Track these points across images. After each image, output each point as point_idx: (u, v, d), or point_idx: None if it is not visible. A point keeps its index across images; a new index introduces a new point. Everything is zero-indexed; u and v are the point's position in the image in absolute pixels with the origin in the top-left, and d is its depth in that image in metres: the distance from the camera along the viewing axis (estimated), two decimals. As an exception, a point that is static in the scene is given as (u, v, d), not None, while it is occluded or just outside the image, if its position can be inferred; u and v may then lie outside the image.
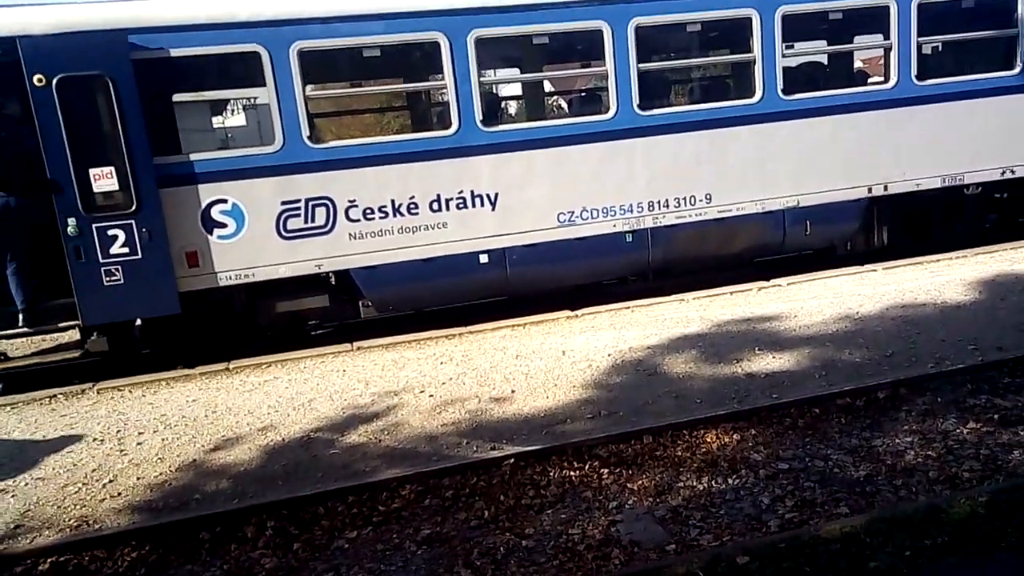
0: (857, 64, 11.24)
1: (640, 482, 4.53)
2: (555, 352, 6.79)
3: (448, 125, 7.79)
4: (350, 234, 7.59)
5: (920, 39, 8.67)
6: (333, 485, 4.68)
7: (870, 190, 8.86)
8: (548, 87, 13.85)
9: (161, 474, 5.03)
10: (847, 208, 8.85)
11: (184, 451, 5.36)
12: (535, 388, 5.96)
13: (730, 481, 4.46)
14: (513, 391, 5.94)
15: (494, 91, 9.30)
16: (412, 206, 7.71)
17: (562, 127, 8.21)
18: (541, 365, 6.47)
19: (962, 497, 3.93)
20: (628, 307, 8.11)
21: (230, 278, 7.37)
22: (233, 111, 25.27)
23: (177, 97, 7.70)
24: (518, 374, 6.30)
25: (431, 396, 5.98)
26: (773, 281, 8.67)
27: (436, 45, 7.57)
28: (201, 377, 7.08)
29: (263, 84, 7.27)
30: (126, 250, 6.95)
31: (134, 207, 6.91)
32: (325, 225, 7.54)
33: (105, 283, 6.93)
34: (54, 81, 6.61)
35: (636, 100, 8.07)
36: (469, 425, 5.37)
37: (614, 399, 5.64)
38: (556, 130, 8.12)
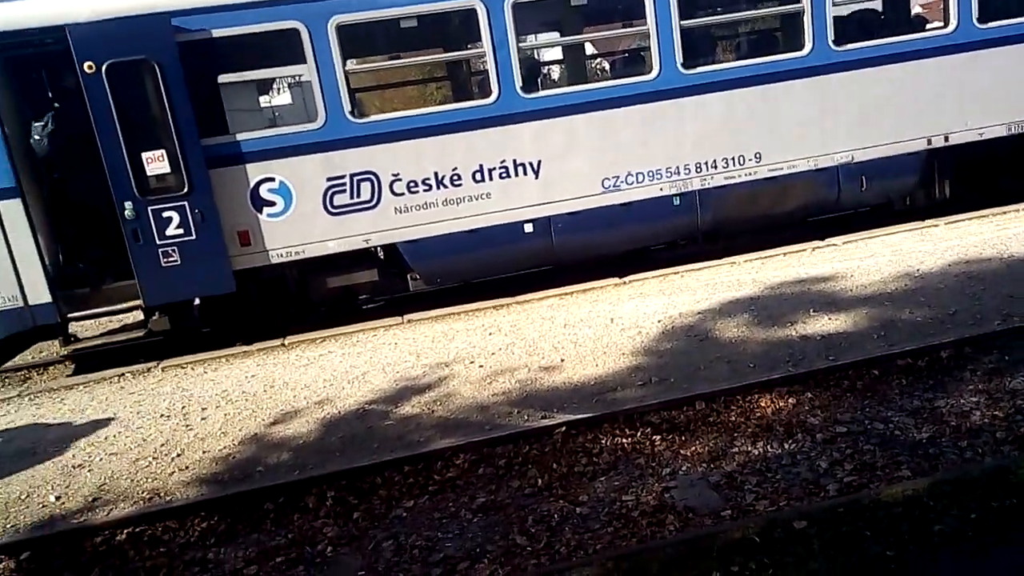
0: (915, 9, 10.71)
1: (693, 448, 4.50)
2: (603, 320, 6.75)
3: (488, 93, 7.72)
4: (395, 208, 7.64)
5: (984, -23, 8.22)
6: (389, 455, 4.78)
7: (930, 142, 8.50)
8: (589, 49, 13.58)
9: (225, 448, 5.20)
10: (905, 161, 8.52)
11: (245, 425, 5.53)
12: (584, 356, 5.95)
13: (786, 446, 4.40)
14: (562, 360, 5.94)
15: (534, 56, 9.17)
16: (455, 177, 7.70)
17: (604, 90, 8.04)
18: (590, 333, 6.45)
19: (1031, 458, 3.81)
20: (677, 272, 8.00)
21: (281, 255, 7.51)
22: (278, 90, 25.57)
23: (222, 78, 7.80)
24: (567, 343, 6.30)
25: (481, 366, 6.03)
26: (828, 240, 8.44)
27: (473, 12, 7.47)
28: (259, 353, 7.27)
29: (304, 61, 7.30)
30: (181, 231, 7.13)
31: (186, 189, 7.07)
32: (371, 200, 7.60)
33: (163, 264, 7.13)
34: (103, 68, 6.76)
35: (680, 59, 7.86)
36: (519, 394, 5.41)
37: (665, 365, 5.60)
38: (598, 93, 7.97)
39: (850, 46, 8.15)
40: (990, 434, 4.24)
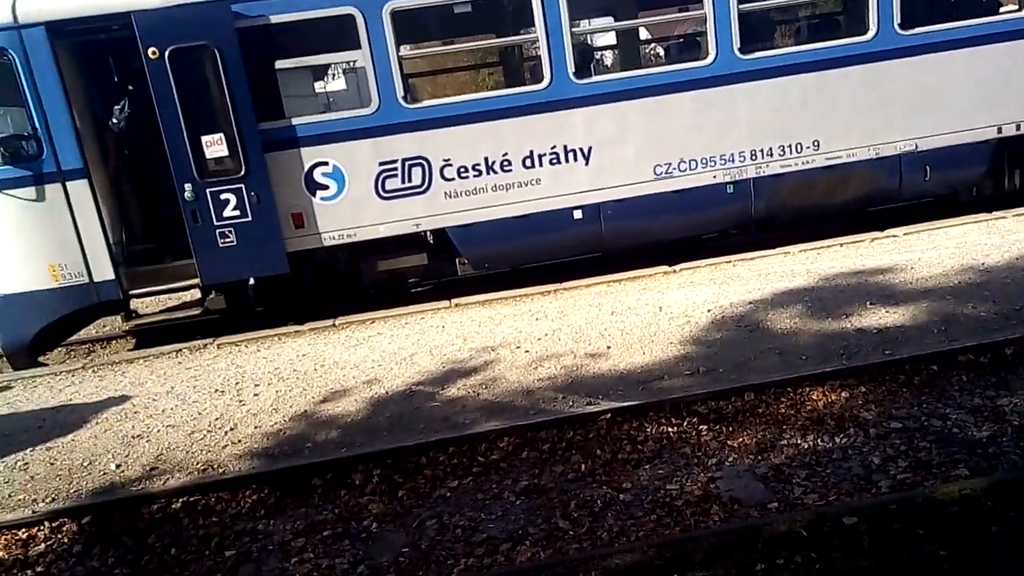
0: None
1: (741, 439, 4.44)
2: (652, 308, 6.69)
3: (540, 79, 7.69)
4: (446, 193, 7.68)
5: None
6: (435, 436, 4.83)
7: (1000, 130, 8.14)
8: (643, 35, 13.38)
9: (276, 423, 5.34)
10: (973, 150, 8.18)
11: (296, 402, 5.66)
12: (631, 344, 5.91)
13: (837, 440, 4.30)
14: (609, 347, 5.91)
15: (587, 42, 9.08)
16: (505, 163, 7.70)
17: (658, 75, 7.92)
18: (637, 321, 6.40)
19: (1099, 461, 3.64)
20: (729, 261, 7.86)
21: (333, 238, 7.64)
22: (333, 76, 25.95)
23: (279, 63, 7.93)
24: (614, 330, 6.26)
25: (527, 351, 6.04)
26: (887, 231, 8.17)
27: (527, -3, 7.43)
28: (310, 333, 7.42)
29: (358, 47, 7.38)
30: (237, 213, 7.31)
31: (243, 171, 7.23)
32: (421, 185, 7.65)
33: (220, 245, 7.33)
34: (166, 53, 6.95)
35: (737, 44, 7.69)
36: (565, 380, 5.40)
37: (713, 355, 5.52)
38: (652, 79, 7.85)
39: (917, 30, 7.85)
40: (1055, 435, 4.07)
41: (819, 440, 4.32)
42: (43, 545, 4.25)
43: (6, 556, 4.17)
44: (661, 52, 12.52)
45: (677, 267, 7.89)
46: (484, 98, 7.95)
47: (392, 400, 5.48)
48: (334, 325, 7.53)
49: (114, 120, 7.61)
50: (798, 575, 3.17)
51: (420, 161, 7.62)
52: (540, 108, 7.66)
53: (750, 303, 6.47)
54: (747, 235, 8.55)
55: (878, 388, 4.80)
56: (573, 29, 7.56)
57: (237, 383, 6.18)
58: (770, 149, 7.99)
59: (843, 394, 4.77)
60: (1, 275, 7.31)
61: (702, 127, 7.85)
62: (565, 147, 7.76)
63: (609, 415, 4.78)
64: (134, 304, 8.20)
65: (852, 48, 7.87)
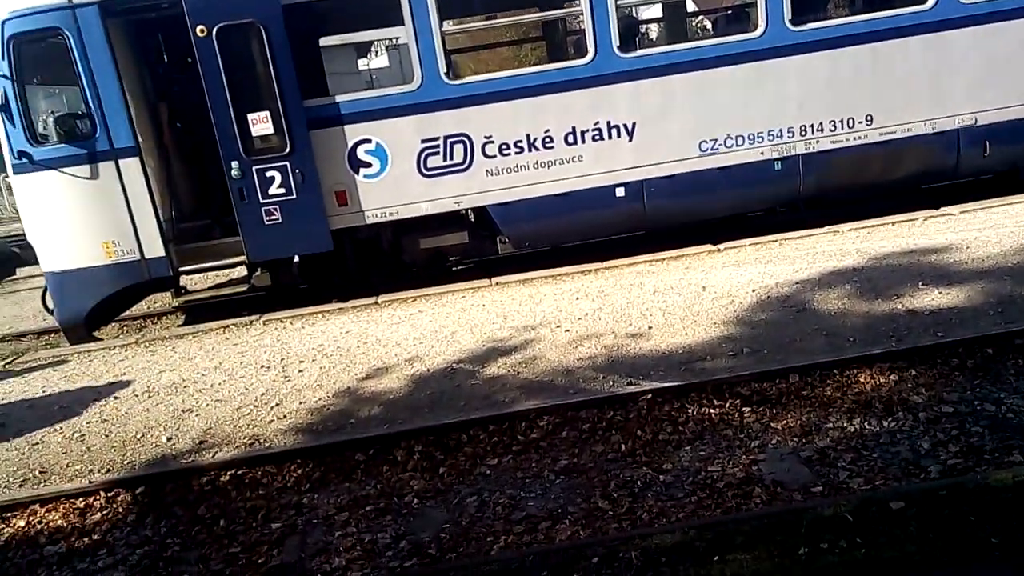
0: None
1: (785, 422, 4.36)
2: (695, 288, 6.59)
3: (584, 53, 7.58)
4: (487, 170, 7.66)
5: None
6: (475, 414, 4.86)
7: (1068, 103, 7.77)
8: (690, 7, 13.08)
9: (320, 399, 5.43)
10: (1037, 124, 7.83)
11: (339, 379, 5.75)
12: (673, 324, 5.84)
13: (885, 424, 4.20)
14: (650, 327, 5.86)
15: (632, 15, 8.91)
16: (547, 140, 7.63)
17: (705, 49, 7.75)
18: (680, 301, 6.32)
19: None
20: (775, 240, 7.70)
21: (376, 216, 7.70)
22: (376, 52, 25.95)
23: (323, 41, 7.97)
24: (655, 310, 6.20)
25: (567, 331, 6.02)
26: (942, 209, 7.90)
27: (571, -30, 7.33)
28: (353, 310, 7.51)
29: (402, 22, 7.36)
30: (282, 191, 7.41)
31: (288, 149, 7.31)
32: (463, 162, 7.64)
33: (265, 222, 7.45)
34: (214, 31, 7.03)
35: (788, 15, 7.46)
36: (605, 360, 5.38)
37: (758, 336, 5.43)
38: (699, 52, 7.68)
39: (979, -1, 7.51)
40: (1118, 422, 3.91)
41: (866, 424, 4.23)
42: (99, 514, 4.42)
43: (65, 524, 4.35)
44: (708, 25, 12.23)
45: (721, 246, 7.76)
46: (526, 74, 7.88)
47: (433, 378, 5.53)
48: (376, 303, 7.61)
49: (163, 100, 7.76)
50: (842, 560, 3.11)
51: (462, 138, 7.60)
52: (583, 83, 7.56)
53: (797, 283, 6.33)
54: (794, 213, 8.35)
55: (929, 371, 4.66)
56: (618, 2, 7.42)
57: (282, 359, 6.30)
58: (820, 124, 7.77)
59: (892, 377, 4.65)
60: (58, 252, 7.55)
61: (750, 102, 7.66)
62: (608, 123, 7.66)
63: (650, 396, 4.74)
64: (183, 281, 8.40)
65: (910, 18, 7.58)
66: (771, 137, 7.78)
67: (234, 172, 7.32)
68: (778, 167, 7.85)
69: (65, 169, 7.28)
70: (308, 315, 7.51)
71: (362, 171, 7.59)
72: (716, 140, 7.76)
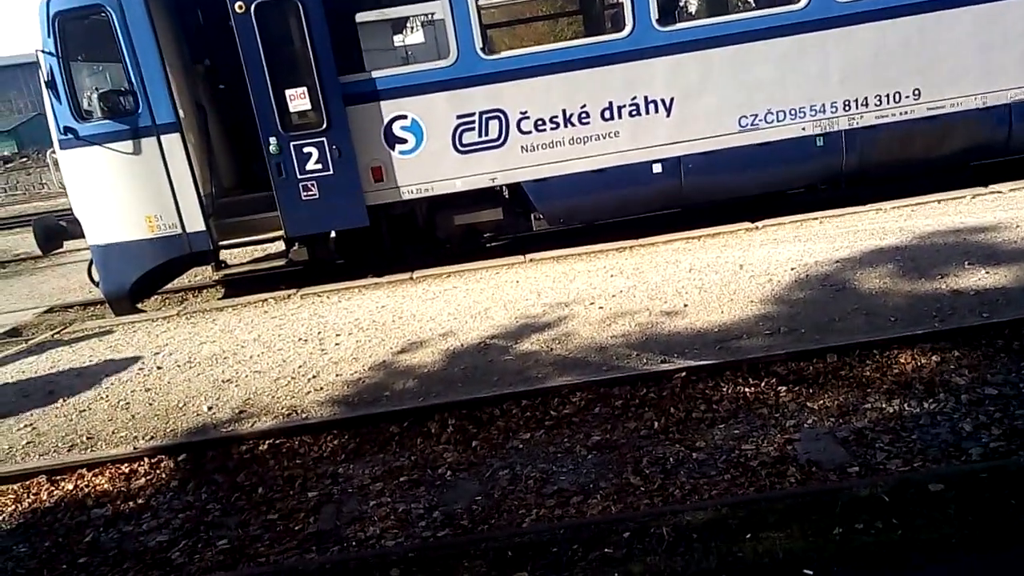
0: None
1: (821, 402, 4.31)
2: (732, 266, 6.51)
3: (621, 27, 7.46)
4: (522, 146, 7.63)
5: None
6: (509, 389, 4.89)
7: None
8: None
9: (356, 372, 5.51)
10: (1095, 99, 7.52)
11: (375, 352, 5.82)
12: (709, 302, 5.78)
13: (925, 405, 4.12)
14: (685, 305, 5.80)
15: (672, -14, 8.74)
16: (583, 115, 7.56)
17: (746, 22, 7.58)
18: (716, 279, 6.25)
19: None
20: (815, 218, 7.54)
21: (411, 192, 7.72)
22: (412, 28, 25.90)
23: (359, 16, 7.98)
24: (691, 288, 6.14)
25: (601, 308, 6.00)
26: (991, 187, 7.65)
27: (610, -59, 7.19)
28: (388, 286, 7.58)
29: (438, -2, 7.33)
30: (319, 166, 7.48)
31: (325, 125, 7.36)
32: (498, 138, 7.62)
33: (303, 198, 7.53)
34: (252, 7, 7.08)
35: (833, -15, 7.24)
36: (639, 338, 5.35)
37: (795, 315, 5.35)
38: (739, 25, 7.52)
39: (1037, -34, 7.20)
40: None
41: (906, 405, 4.15)
42: (143, 479, 4.56)
43: (111, 488, 4.50)
44: (750, -3, 11.92)
45: (760, 224, 7.63)
46: (563, 48, 7.80)
47: (467, 352, 5.57)
48: (411, 278, 7.67)
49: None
50: (877, 540, 3.08)
51: (497, 114, 7.57)
52: (621, 58, 7.46)
53: (837, 262, 6.21)
54: (836, 190, 8.17)
55: (973, 352, 4.55)
56: (657, -26, 7.28)
57: (319, 332, 6.40)
58: (865, 99, 7.57)
59: (934, 358, 4.55)
60: (103, 226, 7.74)
61: (792, 76, 7.49)
62: (646, 98, 7.56)
63: (684, 373, 4.71)
64: (223, 255, 8.55)
65: (961, -13, 7.30)
66: (813, 112, 7.60)
67: (272, 148, 7.40)
68: (820, 143, 7.68)
69: (109, 145, 7.44)
70: (344, 290, 7.60)
71: (398, 147, 7.61)
72: (756, 115, 7.61)
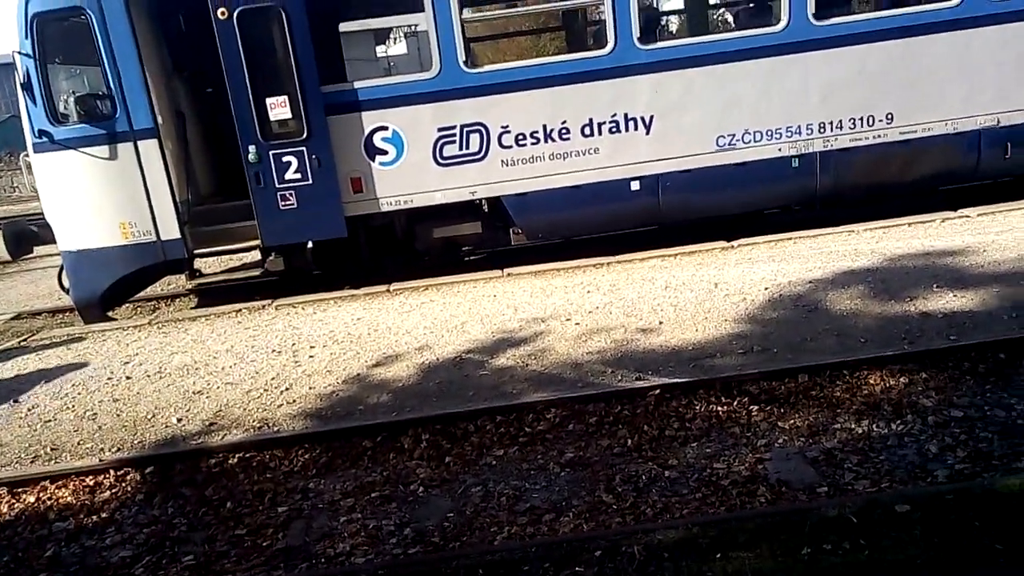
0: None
1: (792, 421, 4.35)
2: (707, 284, 6.57)
3: (603, 44, 7.53)
4: (503, 161, 7.65)
5: None
6: (483, 404, 4.88)
7: (1093, 106, 7.65)
8: None
9: (329, 385, 5.47)
10: (1061, 127, 7.71)
11: (349, 365, 5.78)
12: (684, 320, 5.83)
13: (893, 426, 4.17)
14: (661, 322, 5.84)
15: (654, 5, 8.84)
16: (564, 131, 7.61)
17: (726, 42, 7.67)
18: (691, 297, 6.30)
19: None
20: (790, 238, 7.64)
21: (391, 204, 7.71)
22: (394, 40, 25.96)
23: (343, 27, 7.97)
24: (667, 305, 6.18)
25: (577, 324, 6.02)
26: (960, 211, 7.81)
27: (593, -40, 7.26)
28: (365, 297, 7.54)
29: (422, 9, 7.35)
30: (298, 176, 7.44)
31: (305, 134, 7.33)
32: (479, 152, 7.63)
33: (281, 207, 7.48)
34: (235, 14, 7.04)
35: (811, 8, 7.38)
36: (614, 354, 5.37)
37: (768, 335, 5.40)
38: (719, 45, 7.62)
39: (1006, -3, 7.39)
40: None
41: (874, 426, 4.20)
42: (108, 492, 4.48)
43: (75, 501, 4.42)
44: (730, 18, 12.10)
45: (735, 243, 7.72)
46: (545, 64, 7.84)
47: (442, 367, 5.55)
48: (388, 291, 7.64)
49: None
50: (845, 561, 3.11)
51: (478, 127, 7.59)
52: (602, 74, 7.52)
53: (810, 282, 6.29)
54: (810, 212, 8.29)
55: (940, 375, 4.63)
56: (639, -7, 7.36)
57: (293, 344, 6.34)
58: (840, 122, 7.69)
59: (903, 379, 4.61)
60: (75, 231, 7.62)
61: (770, 97, 7.60)
62: (626, 115, 7.62)
63: (658, 391, 4.74)
64: (197, 263, 8.46)
65: (934, 15, 7.47)
66: (789, 134, 7.71)
67: (251, 156, 7.35)
68: (795, 164, 7.79)
69: (85, 149, 7.34)
70: (320, 301, 7.55)
71: (378, 158, 7.60)
72: (734, 135, 7.70)
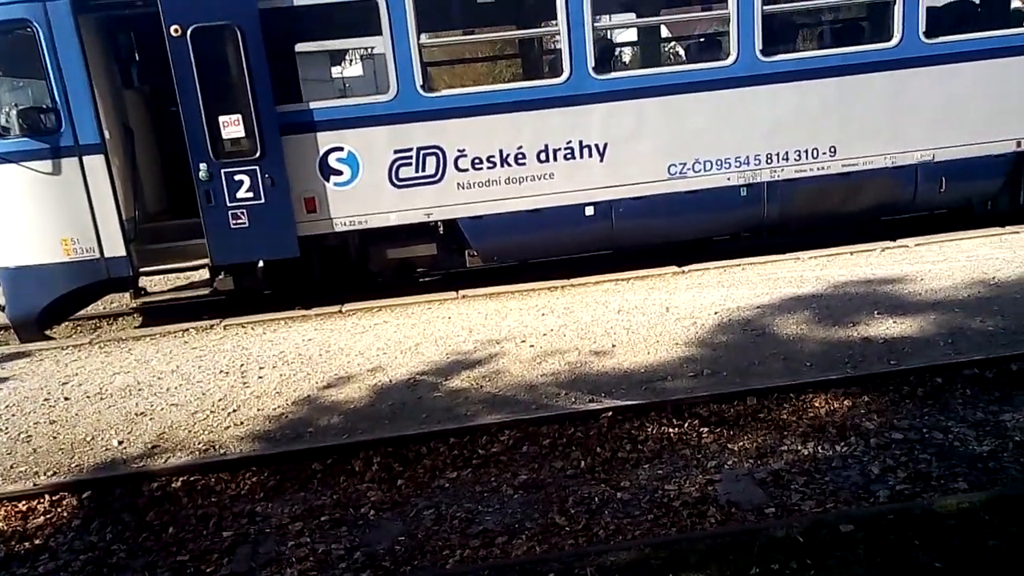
0: (1015, 3, 10.13)
1: (741, 443, 4.43)
2: (659, 308, 6.68)
3: (559, 73, 7.66)
4: (458, 184, 7.68)
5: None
6: (436, 426, 4.85)
7: (1020, 144, 8.07)
8: (665, 32, 13.32)
9: (279, 407, 5.36)
10: (990, 163, 8.12)
11: (300, 387, 5.68)
12: (636, 343, 5.90)
13: (838, 448, 4.29)
14: (614, 345, 5.91)
15: (608, 37, 9.04)
16: (520, 156, 7.69)
17: (678, 74, 7.90)
18: (643, 321, 6.39)
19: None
20: (739, 264, 7.84)
21: (345, 224, 7.65)
22: (350, 61, 25.95)
23: (299, 47, 7.95)
24: (619, 328, 6.26)
25: (532, 346, 6.04)
26: (899, 241, 8.12)
27: (550, -11, 7.40)
28: (317, 318, 7.44)
29: (379, 33, 7.37)
30: (251, 195, 7.33)
31: (258, 153, 7.25)
32: (435, 175, 7.65)
33: (232, 226, 7.35)
34: (189, 31, 6.96)
35: (759, 45, 7.64)
36: (568, 377, 5.40)
37: (718, 358, 5.51)
38: (671, 77, 7.83)
39: (941, 39, 7.77)
40: (1059, 453, 4.04)
41: (820, 447, 4.31)
42: (43, 518, 4.30)
43: (5, 527, 4.22)
44: (681, 51, 12.45)
45: (686, 268, 7.87)
46: (502, 90, 7.93)
47: (395, 388, 5.50)
48: (340, 311, 7.55)
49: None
50: (792, 581, 3.17)
51: (435, 150, 7.62)
52: (558, 102, 7.64)
53: (757, 307, 6.45)
54: (758, 239, 8.52)
55: (881, 398, 4.78)
56: (595, 24, 7.52)
57: (242, 365, 6.21)
58: (786, 153, 7.95)
59: (846, 402, 4.75)
60: (13, 247, 7.37)
61: (719, 128, 7.82)
62: (580, 143, 7.75)
63: (611, 413, 4.78)
64: (143, 282, 8.25)
65: (876, 54, 7.81)
66: (738, 164, 7.93)
67: (202, 174, 7.23)
68: (744, 193, 8.01)
69: (26, 163, 7.12)
70: (270, 321, 7.42)
71: (333, 179, 7.55)
72: (685, 164, 7.89)
